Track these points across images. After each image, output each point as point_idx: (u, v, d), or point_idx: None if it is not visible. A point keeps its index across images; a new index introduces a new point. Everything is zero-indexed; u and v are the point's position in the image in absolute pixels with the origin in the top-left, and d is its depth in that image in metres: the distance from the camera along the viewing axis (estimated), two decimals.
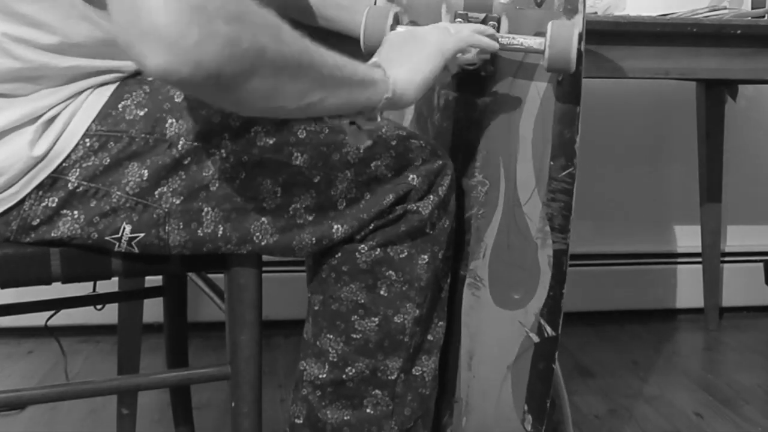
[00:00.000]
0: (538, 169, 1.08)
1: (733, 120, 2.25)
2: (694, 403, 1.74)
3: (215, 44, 0.66)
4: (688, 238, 2.32)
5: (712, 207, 2.21)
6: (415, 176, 0.96)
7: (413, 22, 1.08)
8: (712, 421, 1.65)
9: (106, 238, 0.88)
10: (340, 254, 0.95)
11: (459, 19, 1.05)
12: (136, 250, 0.90)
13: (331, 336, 0.96)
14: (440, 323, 1.03)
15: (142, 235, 0.89)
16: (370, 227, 0.95)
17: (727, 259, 2.34)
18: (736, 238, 2.37)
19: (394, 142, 0.96)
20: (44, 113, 0.85)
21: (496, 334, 1.11)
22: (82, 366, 1.89)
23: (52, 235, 0.88)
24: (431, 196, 0.97)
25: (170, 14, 0.64)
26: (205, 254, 0.94)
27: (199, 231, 0.90)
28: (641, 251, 2.33)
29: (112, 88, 0.89)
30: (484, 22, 1.05)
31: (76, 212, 0.87)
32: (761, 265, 2.30)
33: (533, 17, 1.05)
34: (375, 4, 1.11)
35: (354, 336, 0.96)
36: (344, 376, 0.96)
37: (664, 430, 1.61)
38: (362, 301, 0.96)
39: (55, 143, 0.86)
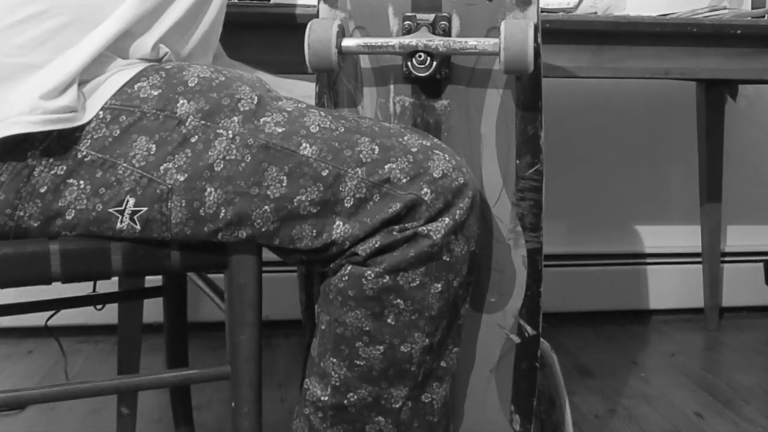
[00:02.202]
0: (504, 169, 1.05)
1: (733, 120, 2.25)
2: (694, 403, 1.74)
3: None
4: (688, 238, 2.32)
5: (712, 207, 2.21)
6: (428, 190, 0.91)
7: (360, 28, 1.04)
8: (712, 421, 1.65)
9: (110, 210, 0.89)
10: (347, 278, 0.92)
11: (408, 22, 1.01)
12: (138, 227, 0.90)
13: (335, 360, 0.94)
14: (455, 349, 0.99)
15: (144, 209, 0.89)
16: (376, 244, 0.91)
17: (727, 259, 2.34)
18: (736, 238, 2.37)
19: (414, 149, 0.93)
20: (73, 81, 0.89)
21: (474, 339, 1.09)
22: (82, 366, 1.89)
23: (59, 204, 0.89)
24: (446, 219, 0.91)
25: None
26: (204, 251, 0.94)
27: (200, 210, 0.90)
28: (641, 251, 2.33)
29: (135, 71, 0.93)
30: (434, 23, 1.01)
31: (82, 182, 0.89)
32: (761, 265, 2.30)
33: (485, 12, 1.01)
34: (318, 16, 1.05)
35: (357, 362, 0.93)
36: (346, 402, 0.94)
37: (664, 430, 1.61)
38: (367, 328, 0.92)
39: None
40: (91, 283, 1.32)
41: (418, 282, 0.92)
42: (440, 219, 0.92)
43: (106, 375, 1.76)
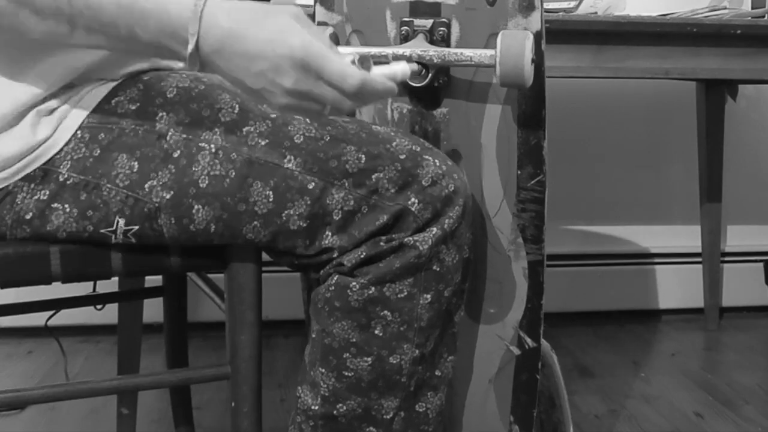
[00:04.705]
0: (505, 180, 1.03)
1: (733, 120, 2.25)
2: (694, 403, 1.74)
3: None
4: (688, 238, 2.32)
5: (712, 207, 2.21)
6: (416, 199, 0.89)
7: (357, 32, 1.02)
8: (712, 421, 1.65)
9: (102, 231, 0.88)
10: (333, 288, 0.90)
11: (405, 28, 0.98)
12: (134, 241, 0.90)
13: (323, 370, 0.92)
14: (450, 357, 0.97)
15: (136, 227, 0.88)
16: (361, 255, 0.89)
17: (727, 259, 2.34)
18: (736, 238, 2.37)
19: (402, 156, 0.90)
20: (43, 103, 0.86)
21: (473, 349, 1.08)
22: (82, 366, 1.89)
23: (48, 228, 0.88)
24: (434, 229, 0.89)
25: None
26: (203, 252, 0.94)
27: (191, 226, 0.89)
28: (641, 251, 2.33)
29: (110, 86, 0.90)
30: (431, 29, 0.98)
31: (67, 206, 0.87)
32: (761, 265, 2.30)
33: (486, 18, 0.98)
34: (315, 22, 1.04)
35: (346, 374, 0.92)
36: (335, 412, 0.93)
37: (664, 430, 1.61)
38: (354, 339, 0.91)
39: (53, 133, 0.86)
40: (91, 283, 1.32)
41: (405, 293, 0.90)
42: (428, 229, 0.89)
43: (106, 375, 1.76)
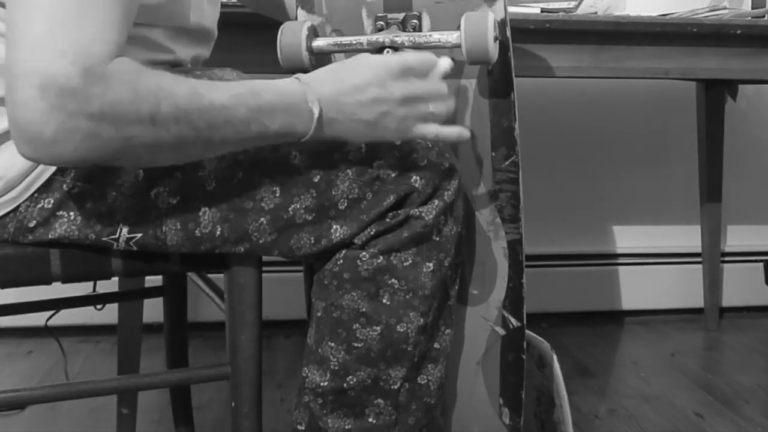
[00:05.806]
0: (481, 162, 1.08)
1: (733, 120, 2.25)
2: (694, 403, 1.74)
3: (73, 140, 0.70)
4: (688, 238, 2.32)
5: (712, 207, 2.21)
6: (418, 178, 0.93)
7: (337, 31, 1.07)
8: (712, 421, 1.65)
9: (104, 239, 0.88)
10: (342, 261, 0.93)
11: (380, 22, 1.03)
12: (135, 248, 0.90)
13: (333, 344, 0.94)
14: (447, 331, 1.00)
15: (139, 235, 0.88)
16: (371, 232, 0.92)
17: (727, 259, 2.34)
18: (736, 238, 2.37)
19: (398, 142, 0.94)
20: None
21: (460, 332, 1.11)
22: (82, 366, 1.89)
23: (50, 236, 0.88)
24: (436, 201, 0.94)
25: (29, 112, 0.69)
26: (203, 253, 0.94)
27: (196, 231, 0.89)
28: (642, 251, 2.33)
29: None
30: (404, 21, 1.04)
31: (72, 213, 0.87)
32: (761, 265, 2.30)
33: (454, 9, 1.04)
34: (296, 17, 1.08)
35: (355, 345, 0.94)
36: (345, 385, 0.94)
37: (664, 430, 1.61)
38: (364, 309, 0.93)
39: None
40: (91, 283, 1.32)
41: (410, 261, 0.94)
42: (431, 201, 0.94)
43: (106, 375, 1.76)
